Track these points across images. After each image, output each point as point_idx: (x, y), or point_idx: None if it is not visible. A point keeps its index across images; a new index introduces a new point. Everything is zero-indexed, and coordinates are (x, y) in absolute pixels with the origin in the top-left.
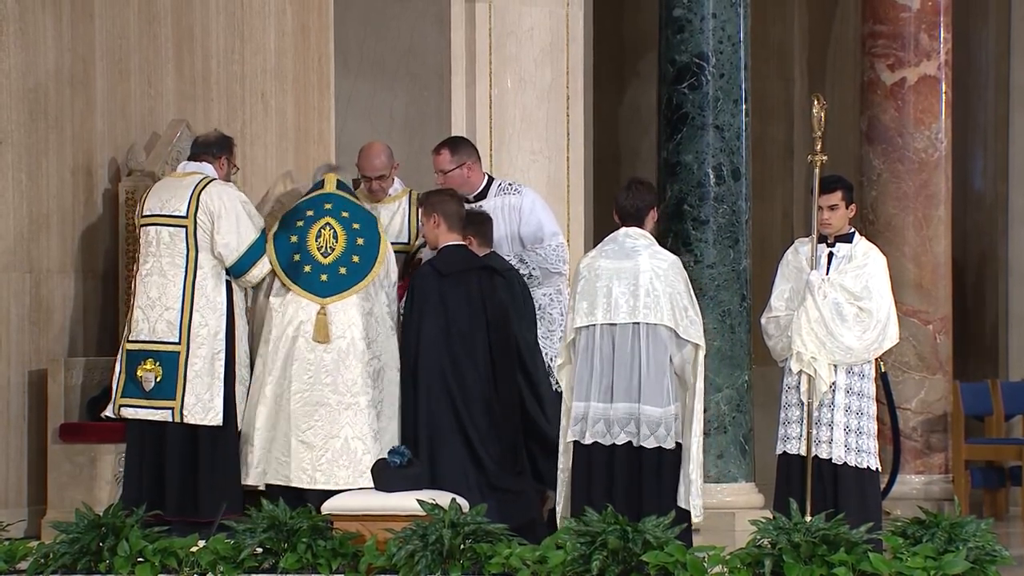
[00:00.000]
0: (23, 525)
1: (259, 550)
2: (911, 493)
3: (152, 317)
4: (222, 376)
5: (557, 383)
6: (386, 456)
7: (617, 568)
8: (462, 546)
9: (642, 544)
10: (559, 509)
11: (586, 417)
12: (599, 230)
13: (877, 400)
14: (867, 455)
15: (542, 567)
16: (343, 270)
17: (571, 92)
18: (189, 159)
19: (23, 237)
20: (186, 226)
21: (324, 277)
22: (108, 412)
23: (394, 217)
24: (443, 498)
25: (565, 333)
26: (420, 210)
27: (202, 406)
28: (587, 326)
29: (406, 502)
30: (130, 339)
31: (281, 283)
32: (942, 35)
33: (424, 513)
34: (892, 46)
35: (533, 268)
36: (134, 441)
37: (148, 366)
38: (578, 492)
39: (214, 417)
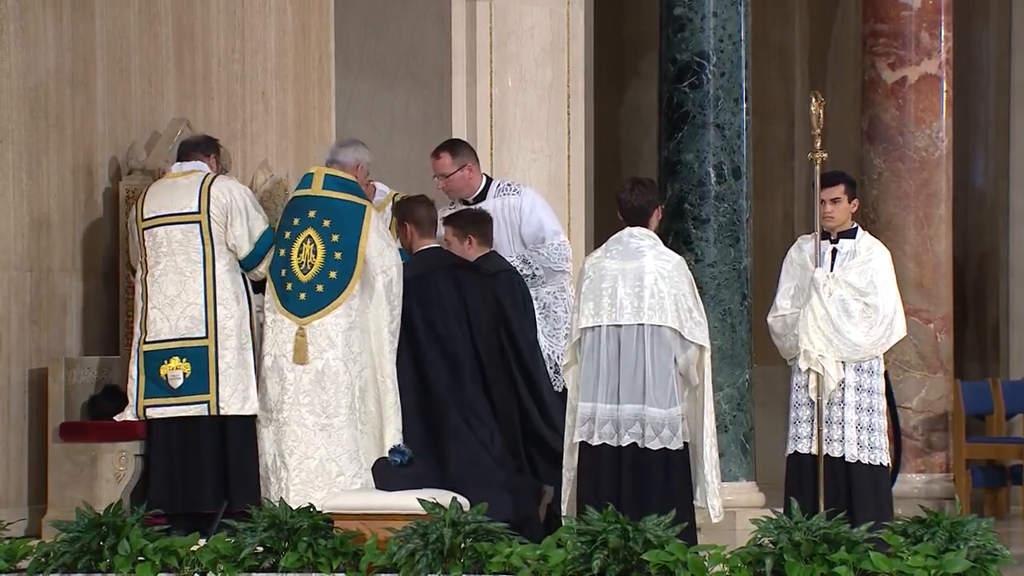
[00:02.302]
0: (23, 524)
1: (260, 549)
2: (912, 492)
3: (172, 315)
4: (252, 365)
5: (563, 381)
6: (386, 455)
7: (618, 567)
8: (463, 545)
9: (643, 543)
10: (564, 508)
11: (593, 418)
12: (600, 229)
13: None
14: (879, 451)
15: (543, 566)
16: (320, 288)
17: (572, 91)
18: (179, 160)
19: (23, 236)
20: (199, 221)
21: (303, 296)
22: (128, 416)
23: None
24: (444, 497)
25: (570, 333)
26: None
27: (239, 396)
28: (592, 327)
29: (407, 501)
30: (147, 340)
31: (271, 299)
32: (943, 34)
33: (425, 512)
34: (893, 45)
35: (536, 268)
36: (160, 441)
37: (174, 364)
38: (586, 492)
39: (251, 406)
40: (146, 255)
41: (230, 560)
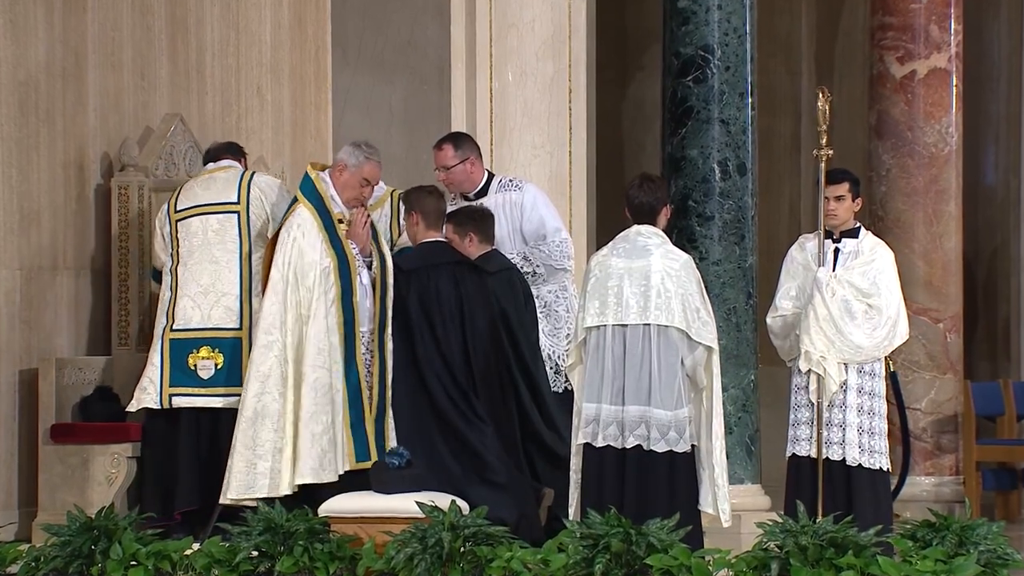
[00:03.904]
0: (14, 527)
1: (255, 553)
2: (921, 495)
3: (205, 305)
4: None
5: (567, 382)
6: (384, 458)
7: (620, 572)
8: (462, 549)
9: (646, 547)
10: (571, 512)
11: (598, 419)
12: (601, 226)
13: (886, 400)
14: (879, 455)
15: (544, 570)
16: None
17: (573, 85)
18: (210, 161)
19: (13, 233)
20: (238, 212)
21: None
22: (147, 403)
23: (377, 224)
24: (442, 500)
25: (575, 333)
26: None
27: None
28: (597, 326)
29: (405, 504)
30: (175, 328)
31: None
32: (953, 27)
33: (423, 515)
34: (902, 38)
35: (537, 265)
36: (189, 433)
37: (204, 354)
38: (589, 495)
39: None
40: (178, 246)
41: (225, 564)
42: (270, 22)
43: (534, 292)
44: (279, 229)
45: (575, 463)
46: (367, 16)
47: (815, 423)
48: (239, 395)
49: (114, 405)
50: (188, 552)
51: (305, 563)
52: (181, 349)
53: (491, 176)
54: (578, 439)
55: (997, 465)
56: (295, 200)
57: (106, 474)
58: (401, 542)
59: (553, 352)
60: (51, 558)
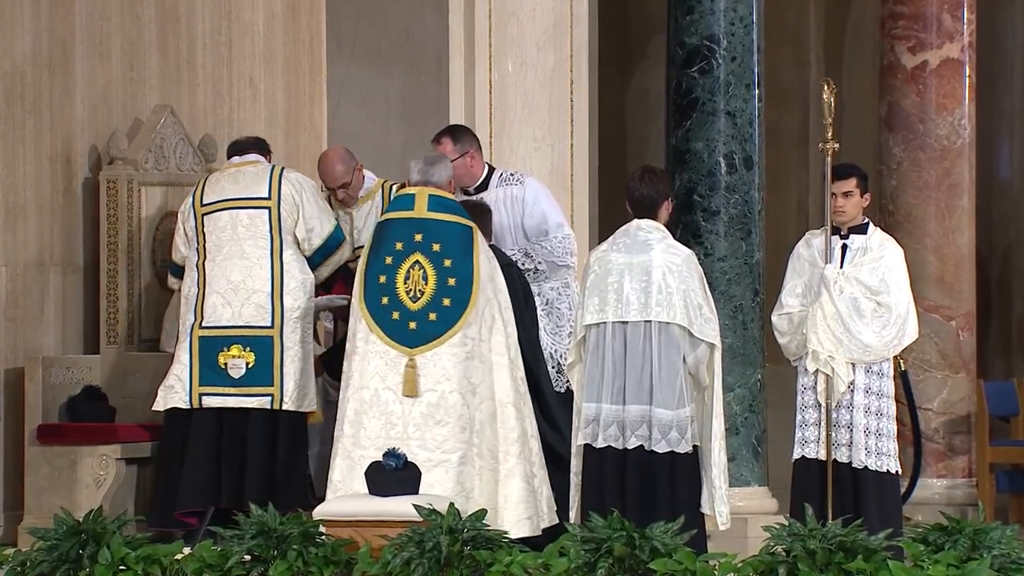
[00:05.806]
0: None
1: (247, 557)
2: (933, 498)
3: (236, 302)
4: (312, 361)
5: (567, 381)
6: (380, 459)
7: None
8: (461, 553)
9: (650, 551)
10: (572, 514)
11: (598, 419)
12: (604, 221)
13: (897, 400)
14: (887, 458)
15: (545, 574)
16: (433, 316)
17: (575, 76)
18: (235, 155)
19: None
20: (269, 207)
21: (413, 325)
22: (176, 403)
23: (368, 217)
24: (440, 502)
25: (575, 330)
26: None
27: (300, 392)
28: (597, 324)
29: (402, 507)
30: (204, 325)
31: (368, 328)
32: (966, 16)
33: (421, 518)
34: (913, 27)
35: (539, 262)
36: (208, 432)
37: (235, 352)
38: (589, 497)
39: (310, 403)
40: (205, 241)
41: (216, 569)
42: (263, 11)
43: (536, 289)
44: (477, 254)
45: (575, 464)
46: (362, 4)
47: (822, 424)
48: (271, 395)
49: (102, 405)
50: (179, 556)
51: (299, 567)
52: (211, 347)
53: (491, 170)
54: (578, 440)
55: (1011, 467)
56: (467, 228)
57: (94, 476)
58: (398, 546)
59: (555, 351)
60: (37, 562)
